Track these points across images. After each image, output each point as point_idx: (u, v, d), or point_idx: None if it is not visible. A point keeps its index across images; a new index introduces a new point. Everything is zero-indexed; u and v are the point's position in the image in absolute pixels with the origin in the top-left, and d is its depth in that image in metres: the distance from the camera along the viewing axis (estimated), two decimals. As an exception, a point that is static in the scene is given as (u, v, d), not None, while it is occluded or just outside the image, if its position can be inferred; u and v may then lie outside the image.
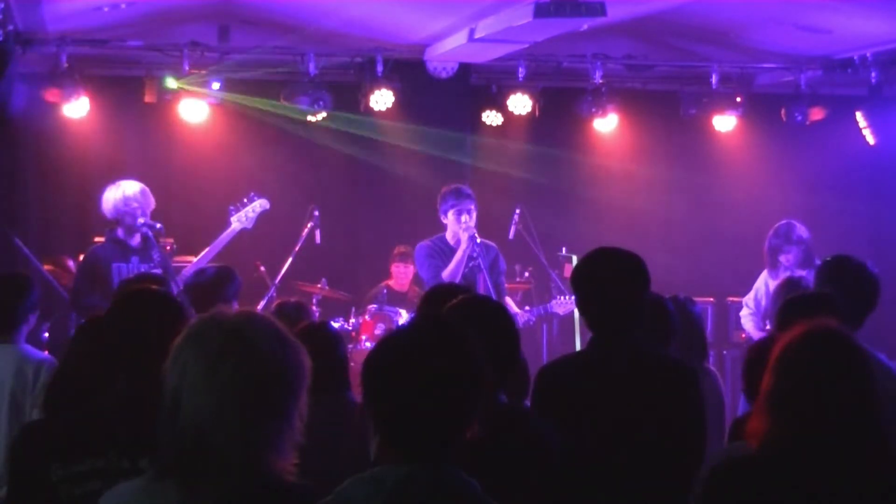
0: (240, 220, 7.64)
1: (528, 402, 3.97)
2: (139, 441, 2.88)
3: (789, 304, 4.41)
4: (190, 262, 7.46)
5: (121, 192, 7.04)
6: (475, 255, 7.48)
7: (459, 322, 2.58)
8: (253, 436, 2.30)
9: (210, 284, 5.74)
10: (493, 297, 7.19)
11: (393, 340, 2.43)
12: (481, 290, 7.20)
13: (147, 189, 7.15)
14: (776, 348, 2.78)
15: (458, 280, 7.27)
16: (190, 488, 2.30)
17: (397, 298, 8.88)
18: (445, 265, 7.46)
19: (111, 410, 2.99)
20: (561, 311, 8.40)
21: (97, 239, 7.35)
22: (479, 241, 7.50)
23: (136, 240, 7.05)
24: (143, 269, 6.86)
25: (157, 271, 6.75)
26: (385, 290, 8.86)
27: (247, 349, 2.31)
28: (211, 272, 5.92)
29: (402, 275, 9.16)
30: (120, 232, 7.03)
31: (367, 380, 2.39)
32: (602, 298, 3.83)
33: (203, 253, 7.40)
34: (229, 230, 7.57)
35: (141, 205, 7.05)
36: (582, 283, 3.91)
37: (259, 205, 7.75)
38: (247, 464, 2.31)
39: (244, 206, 7.72)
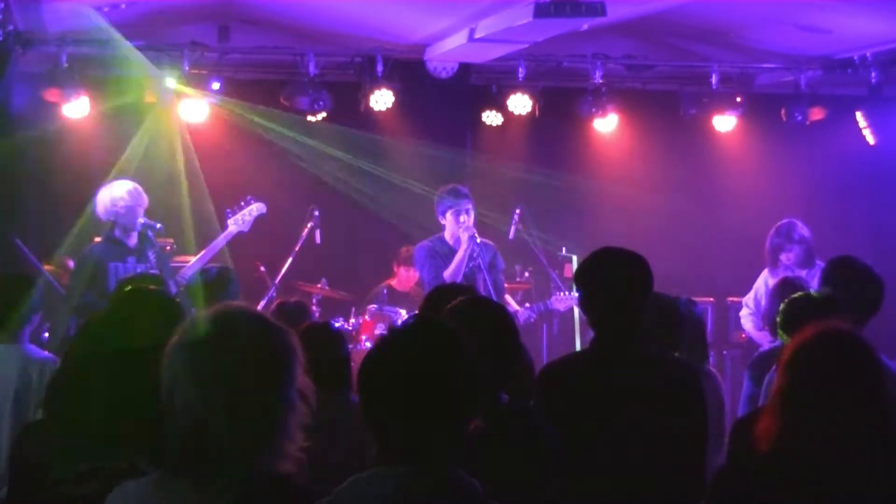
0: (236, 222, 7.68)
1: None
2: (138, 441, 2.89)
3: (791, 305, 4.41)
4: (188, 262, 7.48)
5: (108, 195, 7.07)
6: (475, 254, 7.49)
7: (458, 323, 2.58)
8: (251, 420, 2.31)
9: (212, 285, 5.76)
10: (494, 295, 7.21)
11: (387, 343, 2.44)
12: (481, 290, 7.21)
13: (139, 188, 7.16)
14: (787, 350, 2.78)
15: (459, 280, 7.28)
16: (202, 485, 2.31)
17: (399, 298, 8.87)
18: (445, 265, 7.47)
19: (110, 411, 2.99)
20: (561, 306, 8.41)
21: (97, 239, 7.35)
22: (479, 240, 7.52)
23: (133, 240, 7.07)
24: (139, 269, 6.88)
25: (154, 271, 6.77)
26: (385, 290, 8.85)
27: (226, 337, 2.33)
28: (212, 273, 5.95)
29: (408, 277, 9.13)
30: (117, 232, 7.05)
31: (362, 383, 2.40)
32: (605, 298, 3.83)
33: (200, 255, 7.43)
34: (226, 233, 7.63)
35: (128, 204, 7.06)
36: (585, 283, 3.91)
37: (256, 208, 7.81)
38: (253, 450, 2.32)
39: (241, 209, 7.76)
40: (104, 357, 3.13)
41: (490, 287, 7.41)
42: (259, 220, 7.91)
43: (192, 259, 7.47)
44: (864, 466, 2.65)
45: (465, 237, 7.48)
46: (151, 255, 7.01)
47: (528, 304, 8.48)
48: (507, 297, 8.24)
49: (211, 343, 2.33)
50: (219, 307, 2.43)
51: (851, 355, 2.71)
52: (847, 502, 2.65)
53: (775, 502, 2.69)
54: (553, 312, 8.68)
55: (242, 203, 7.82)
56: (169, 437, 2.35)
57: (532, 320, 8.41)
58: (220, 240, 7.56)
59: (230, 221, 7.69)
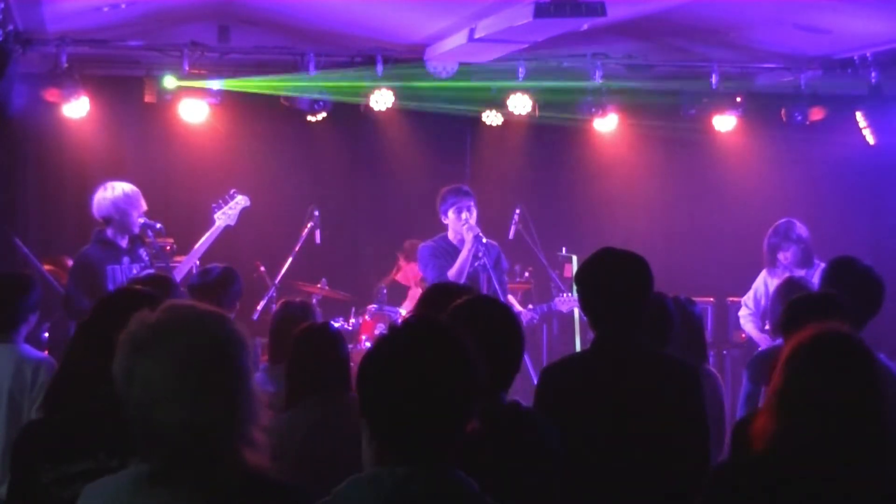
0: (223, 216, 7.67)
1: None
2: (128, 442, 2.88)
3: (794, 305, 4.41)
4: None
5: (120, 190, 7.04)
6: (480, 254, 7.45)
7: (460, 323, 2.58)
8: (225, 414, 2.29)
9: (214, 285, 5.75)
10: (500, 295, 7.18)
11: (386, 343, 2.44)
12: (485, 289, 7.19)
13: (138, 190, 7.16)
14: (786, 349, 2.79)
15: (463, 279, 7.25)
16: (181, 484, 2.30)
17: (402, 292, 8.81)
18: (449, 265, 7.43)
19: (101, 412, 2.99)
20: (564, 308, 8.40)
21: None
22: (484, 240, 7.47)
23: (126, 241, 7.04)
24: (134, 269, 6.86)
25: (150, 270, 6.75)
26: (384, 290, 8.84)
27: (175, 337, 2.30)
28: (216, 273, 5.92)
29: (412, 271, 9.08)
30: (109, 233, 7.00)
31: (361, 384, 2.40)
32: (606, 298, 3.83)
33: (191, 251, 7.43)
34: (214, 227, 7.63)
35: (136, 204, 7.06)
36: (586, 283, 3.91)
37: (241, 200, 7.80)
38: (230, 443, 2.31)
39: (226, 202, 7.75)
40: (95, 358, 3.12)
41: (496, 286, 7.37)
42: (259, 219, 7.91)
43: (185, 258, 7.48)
44: (857, 468, 2.66)
45: (469, 237, 7.43)
46: (144, 254, 6.99)
47: (531, 306, 8.47)
48: (511, 298, 8.23)
49: (162, 345, 2.29)
50: (163, 308, 2.39)
51: (848, 357, 2.71)
52: (839, 503, 2.66)
53: (770, 501, 2.69)
54: (556, 313, 8.67)
55: (227, 196, 7.81)
56: (142, 443, 2.33)
57: (535, 322, 8.39)
58: (210, 236, 7.56)
59: (217, 216, 7.68)
